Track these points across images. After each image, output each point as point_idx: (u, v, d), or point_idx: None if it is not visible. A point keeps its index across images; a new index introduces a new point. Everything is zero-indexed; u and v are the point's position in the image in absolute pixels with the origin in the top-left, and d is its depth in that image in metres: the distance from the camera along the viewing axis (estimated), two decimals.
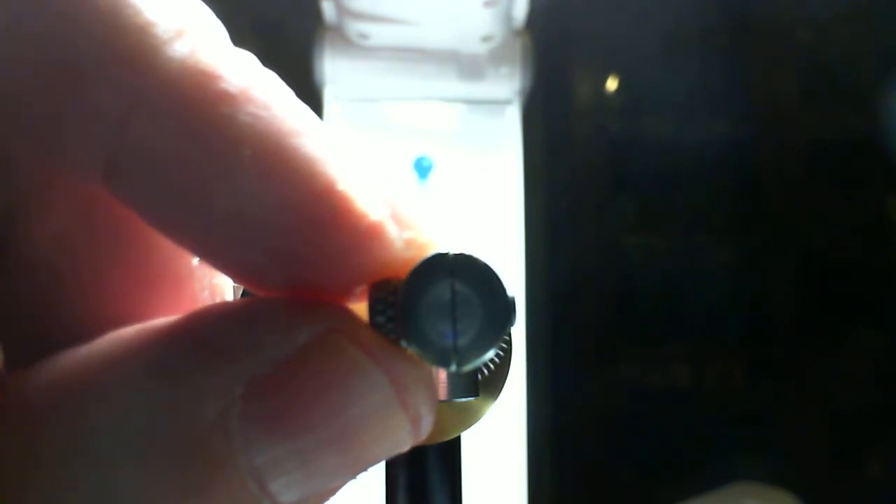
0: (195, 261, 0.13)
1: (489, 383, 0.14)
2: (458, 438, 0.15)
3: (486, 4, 0.60)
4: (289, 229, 0.11)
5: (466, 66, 0.66)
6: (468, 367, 0.12)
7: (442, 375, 0.13)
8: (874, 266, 0.94)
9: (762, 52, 0.96)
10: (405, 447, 0.12)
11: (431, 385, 0.12)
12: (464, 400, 0.14)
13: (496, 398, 0.15)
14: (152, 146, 0.11)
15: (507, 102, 0.68)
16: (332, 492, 0.12)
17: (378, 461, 0.12)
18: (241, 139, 0.11)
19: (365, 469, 0.12)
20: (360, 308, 0.13)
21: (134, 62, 0.11)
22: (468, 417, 0.14)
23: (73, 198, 0.12)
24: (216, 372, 0.11)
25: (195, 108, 0.11)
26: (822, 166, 0.95)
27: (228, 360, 0.11)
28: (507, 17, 0.64)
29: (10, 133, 0.11)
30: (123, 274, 0.13)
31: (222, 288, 0.14)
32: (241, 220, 0.11)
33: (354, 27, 0.63)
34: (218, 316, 0.12)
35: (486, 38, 0.65)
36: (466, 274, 0.12)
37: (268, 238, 0.11)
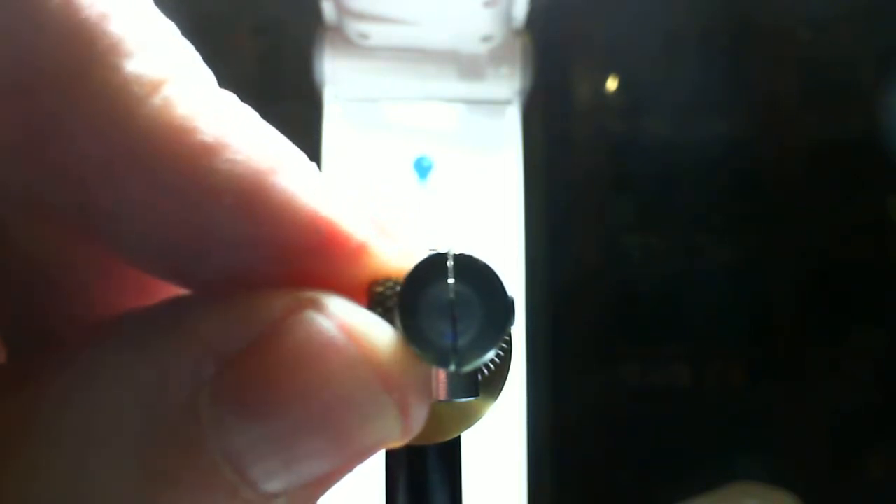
0: None
1: (489, 383, 0.14)
2: (458, 438, 0.15)
3: (486, 4, 0.60)
4: (278, 261, 0.11)
5: (466, 66, 0.66)
6: (468, 368, 0.12)
7: (442, 375, 0.13)
8: (874, 266, 0.94)
9: (762, 52, 0.96)
10: (397, 436, 0.12)
11: (420, 371, 0.12)
12: (464, 400, 0.14)
13: (496, 398, 0.15)
14: (131, 202, 0.11)
15: (507, 102, 0.68)
16: (325, 483, 0.12)
17: (368, 449, 0.12)
18: (220, 188, 0.11)
19: (354, 458, 0.11)
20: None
21: (111, 120, 0.11)
22: (468, 417, 0.14)
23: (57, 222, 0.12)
24: (185, 351, 0.11)
25: (172, 163, 0.11)
26: (822, 166, 0.95)
27: (197, 340, 0.11)
28: (507, 17, 0.64)
29: None
30: (117, 278, 0.13)
31: None
32: (230, 264, 0.11)
33: (354, 27, 0.63)
34: (194, 297, 0.12)
35: (486, 38, 0.65)
36: (466, 274, 0.12)
37: (261, 274, 0.11)
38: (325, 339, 0.11)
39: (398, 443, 0.12)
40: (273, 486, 0.11)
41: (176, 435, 0.11)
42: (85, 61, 0.11)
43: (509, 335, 0.13)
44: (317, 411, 0.11)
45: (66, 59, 0.11)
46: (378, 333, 0.11)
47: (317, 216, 0.11)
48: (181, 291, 0.13)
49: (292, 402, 0.11)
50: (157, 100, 0.11)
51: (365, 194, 0.12)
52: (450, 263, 0.12)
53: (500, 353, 0.14)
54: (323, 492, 0.12)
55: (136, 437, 0.11)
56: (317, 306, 0.11)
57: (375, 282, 0.12)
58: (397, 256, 0.12)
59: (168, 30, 0.12)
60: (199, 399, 0.11)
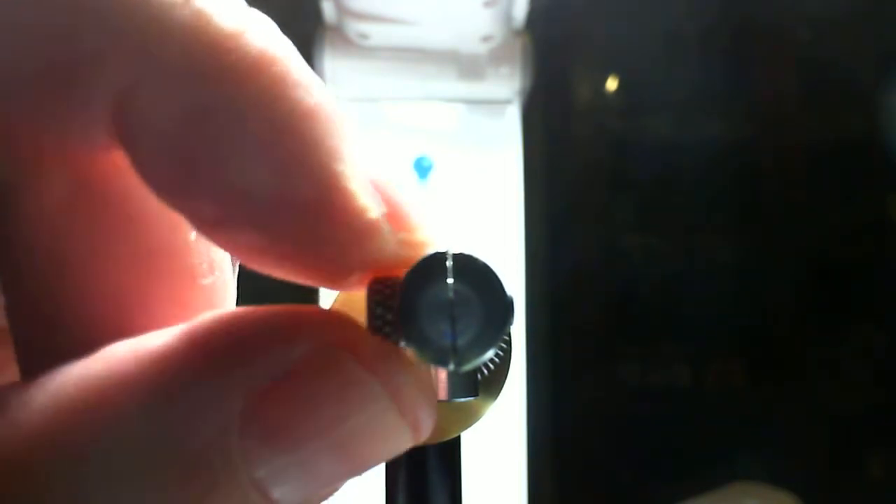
0: (192, 236, 0.13)
1: (489, 383, 0.14)
2: (458, 438, 0.15)
3: (486, 4, 0.60)
4: (288, 215, 0.11)
5: (466, 66, 0.66)
6: (468, 367, 0.12)
7: (441, 375, 0.13)
8: (874, 266, 0.94)
9: (762, 52, 0.96)
10: (406, 448, 0.12)
11: (430, 389, 0.12)
12: (464, 400, 0.14)
13: (496, 398, 0.15)
14: (159, 116, 0.11)
15: (507, 102, 0.68)
16: (336, 490, 0.12)
17: (379, 463, 0.12)
18: (250, 116, 0.11)
19: (365, 470, 0.12)
20: (359, 296, 0.13)
21: (142, 28, 0.11)
22: (468, 417, 0.14)
23: (69, 176, 0.12)
24: (213, 391, 0.11)
25: (204, 79, 0.11)
26: (822, 166, 0.95)
27: (225, 378, 0.11)
28: (507, 17, 0.64)
29: (10, 102, 0.11)
30: (121, 251, 0.13)
31: (221, 262, 0.14)
32: (241, 197, 0.11)
33: (354, 27, 0.63)
34: (213, 331, 0.12)
35: (486, 38, 0.65)
36: (466, 274, 0.12)
37: (266, 219, 0.11)
38: (348, 376, 0.11)
39: (405, 450, 0.12)
40: (293, 500, 0.11)
41: (207, 468, 0.11)
42: None
43: (509, 335, 0.13)
44: (338, 439, 0.11)
45: None
46: (394, 364, 0.12)
47: (336, 181, 0.11)
48: (188, 271, 0.13)
49: (316, 432, 0.11)
50: (189, 9, 0.11)
51: (390, 173, 0.12)
52: (449, 263, 0.12)
53: (500, 352, 0.14)
54: (331, 495, 0.12)
55: (165, 473, 0.11)
56: (340, 343, 0.12)
57: (375, 280, 0.12)
58: (401, 247, 0.12)
59: None
60: (230, 434, 0.11)
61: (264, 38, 0.11)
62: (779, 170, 0.96)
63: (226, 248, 0.12)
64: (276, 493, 0.11)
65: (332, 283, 0.12)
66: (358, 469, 0.12)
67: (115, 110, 0.11)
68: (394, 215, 0.12)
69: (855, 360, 0.92)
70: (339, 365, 0.11)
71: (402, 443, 0.12)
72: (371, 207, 0.12)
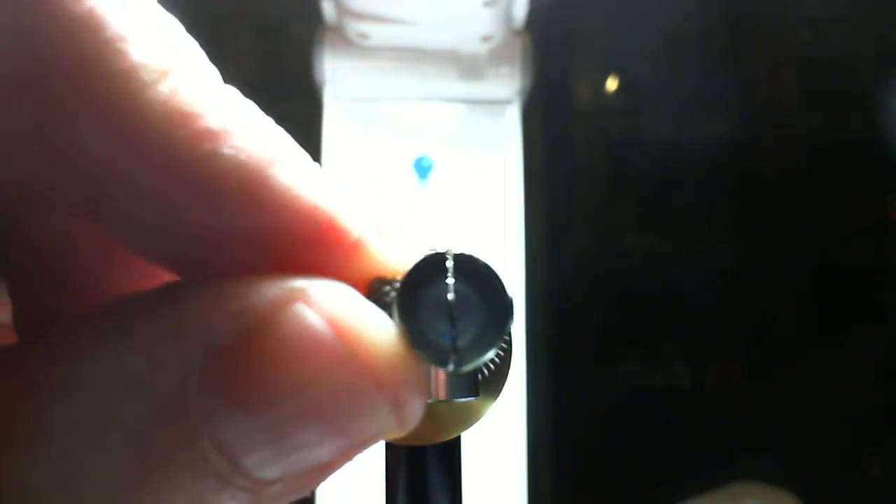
0: None
1: (489, 383, 0.14)
2: (458, 438, 0.15)
3: (486, 4, 0.60)
4: (277, 251, 0.12)
5: (466, 66, 0.66)
6: (468, 367, 0.12)
7: (441, 375, 0.13)
8: (874, 265, 0.94)
9: (762, 52, 0.96)
10: (392, 429, 0.12)
11: (413, 366, 0.12)
12: (464, 400, 0.14)
13: (496, 398, 0.15)
14: (138, 185, 0.11)
15: (507, 102, 0.68)
16: (324, 470, 0.12)
17: (365, 441, 0.12)
18: (225, 172, 0.11)
19: (351, 449, 0.12)
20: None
21: (119, 104, 0.11)
22: (468, 417, 0.14)
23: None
24: (173, 340, 0.11)
25: (178, 147, 0.11)
26: (823, 166, 0.95)
27: (186, 329, 0.11)
28: (507, 17, 0.64)
29: None
30: (122, 269, 0.13)
31: None
32: (231, 253, 0.12)
33: (354, 27, 0.63)
34: (184, 285, 0.12)
35: (486, 38, 0.65)
36: (466, 274, 0.12)
37: (257, 259, 0.12)
38: (312, 335, 0.11)
39: (396, 435, 0.12)
40: (267, 473, 0.11)
41: (166, 424, 0.11)
42: (91, 49, 0.11)
43: (509, 335, 0.13)
44: (306, 406, 0.11)
45: (72, 48, 0.11)
46: (369, 328, 0.11)
47: (315, 208, 0.12)
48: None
49: (281, 395, 0.11)
50: (163, 87, 0.11)
51: (363, 194, 0.13)
52: (449, 263, 0.12)
53: (500, 352, 0.14)
54: (323, 479, 0.12)
55: (126, 427, 0.11)
56: (305, 298, 0.11)
57: (374, 280, 0.12)
58: (394, 255, 0.12)
59: (173, 24, 0.12)
60: (188, 389, 0.11)
61: (224, 109, 0.12)
62: (779, 170, 0.96)
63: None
64: (247, 460, 0.11)
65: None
66: (338, 442, 0.11)
67: (92, 182, 0.11)
68: (380, 229, 0.12)
69: (855, 360, 0.92)
70: (303, 323, 0.11)
71: (385, 420, 0.12)
72: (356, 226, 0.12)
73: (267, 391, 0.11)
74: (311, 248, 0.12)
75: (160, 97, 0.11)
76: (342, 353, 0.11)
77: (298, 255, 0.12)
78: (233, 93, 0.12)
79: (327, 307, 0.11)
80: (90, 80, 0.11)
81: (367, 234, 0.12)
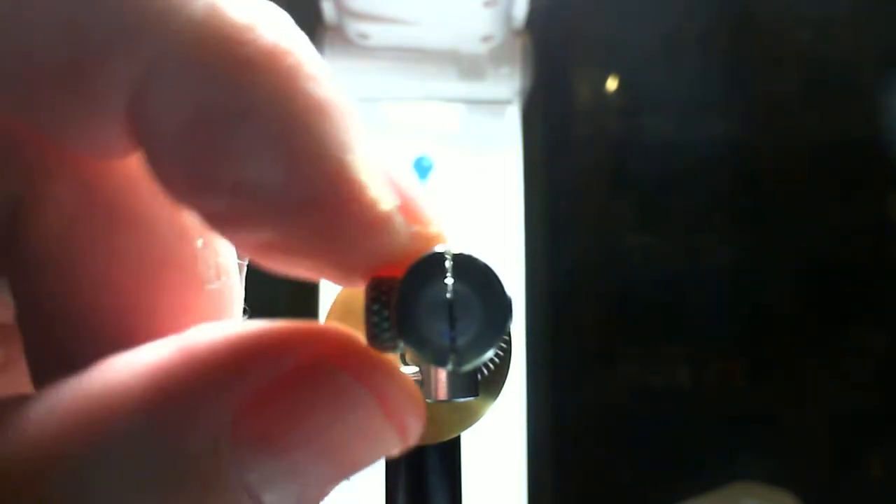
0: (199, 242, 0.13)
1: (489, 383, 0.14)
2: (458, 438, 0.15)
3: (486, 4, 0.60)
4: (299, 209, 0.11)
5: (466, 66, 0.66)
6: (467, 367, 0.12)
7: (441, 375, 0.13)
8: (874, 266, 0.94)
9: (762, 52, 0.96)
10: (395, 450, 0.12)
11: (416, 394, 0.12)
12: (463, 400, 0.14)
13: (496, 398, 0.15)
14: (172, 110, 0.11)
15: (507, 102, 0.68)
16: (326, 494, 0.12)
17: (367, 466, 0.12)
18: (263, 110, 0.11)
19: (355, 473, 0.12)
20: (358, 296, 0.13)
21: (154, 21, 0.10)
22: (468, 417, 0.14)
23: (77, 185, 0.12)
24: (204, 402, 0.11)
25: (217, 74, 0.11)
26: (823, 166, 0.95)
27: (215, 389, 0.11)
28: (507, 17, 0.64)
29: (15, 105, 0.11)
30: (130, 258, 0.13)
31: (228, 267, 0.14)
32: (253, 192, 0.11)
33: (354, 27, 0.63)
34: (205, 343, 0.12)
35: (486, 38, 0.65)
36: (465, 273, 0.12)
37: (277, 214, 0.11)
38: (336, 387, 0.12)
39: (394, 453, 0.13)
40: None
41: (199, 476, 0.11)
42: None
43: (508, 335, 0.13)
44: (327, 445, 0.11)
45: None
46: (381, 371, 0.12)
47: (348, 174, 0.11)
48: (195, 278, 0.13)
49: (305, 439, 0.11)
50: (200, 4, 0.11)
51: (401, 167, 0.12)
52: (448, 263, 0.12)
53: (500, 352, 0.14)
54: (322, 498, 0.12)
55: (159, 485, 0.11)
56: (328, 355, 0.12)
57: (374, 280, 0.12)
58: (412, 240, 0.12)
59: None
60: (220, 442, 0.11)
61: (277, 30, 0.11)
62: (779, 170, 0.96)
63: (236, 244, 0.13)
64: (268, 497, 0.11)
65: (342, 277, 0.12)
66: (347, 472, 0.12)
67: (127, 105, 0.11)
68: (406, 208, 0.12)
69: (855, 360, 0.92)
70: (325, 374, 0.12)
71: (390, 446, 0.12)
72: (383, 199, 0.12)
73: (294, 437, 0.11)
74: (332, 214, 0.11)
75: (199, 13, 0.11)
76: (359, 396, 0.12)
77: (317, 217, 0.11)
78: (280, 15, 0.11)
79: (346, 358, 0.12)
80: None
81: (390, 210, 0.12)
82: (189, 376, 0.11)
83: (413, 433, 0.12)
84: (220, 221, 0.12)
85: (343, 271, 0.12)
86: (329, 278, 0.13)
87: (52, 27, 0.11)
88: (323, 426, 0.11)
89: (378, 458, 0.12)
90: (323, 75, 0.11)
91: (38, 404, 0.11)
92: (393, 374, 0.12)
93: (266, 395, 0.11)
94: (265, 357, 0.11)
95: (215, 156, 0.11)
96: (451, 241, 0.12)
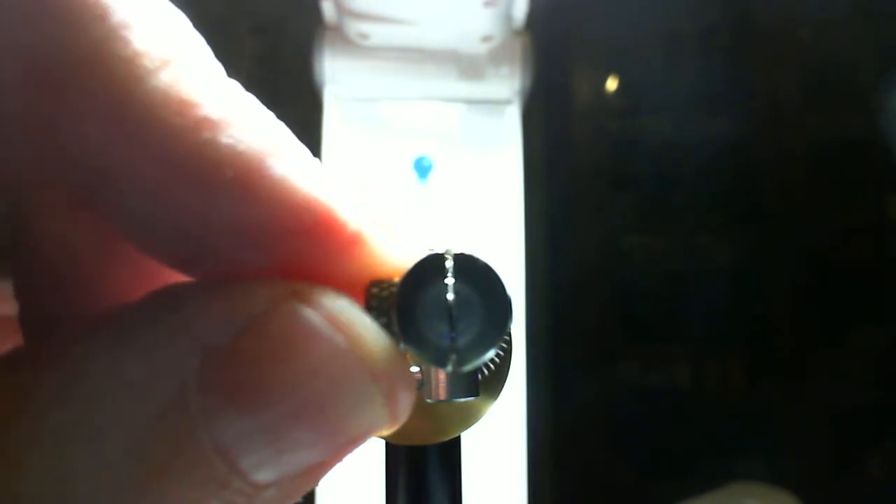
0: None
1: (489, 383, 0.14)
2: (458, 438, 0.15)
3: (486, 4, 0.60)
4: (274, 243, 0.11)
5: (466, 66, 0.66)
6: (467, 368, 0.12)
7: (442, 375, 0.13)
8: (874, 266, 0.94)
9: (762, 52, 0.96)
10: (384, 424, 0.12)
11: (403, 361, 0.12)
12: (464, 400, 0.14)
13: (496, 398, 0.15)
14: (135, 173, 0.11)
15: (507, 102, 0.68)
16: (315, 473, 0.12)
17: (357, 439, 0.12)
18: (221, 162, 0.11)
19: (344, 447, 0.12)
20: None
21: (118, 90, 0.11)
22: (468, 417, 0.14)
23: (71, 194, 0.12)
24: (171, 345, 0.11)
25: (176, 135, 0.11)
26: (823, 166, 0.95)
27: (183, 333, 0.11)
28: (507, 17, 0.64)
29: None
30: (125, 269, 0.13)
31: None
32: (229, 240, 0.11)
33: (354, 27, 0.63)
34: (182, 288, 0.12)
35: (486, 38, 0.65)
36: (466, 274, 0.12)
37: (254, 252, 0.11)
38: (310, 329, 0.11)
39: (386, 431, 0.12)
40: (264, 476, 0.11)
41: (165, 427, 0.11)
42: (94, 36, 0.11)
43: (509, 335, 0.13)
44: (305, 401, 0.11)
45: (75, 35, 0.11)
46: (363, 323, 0.12)
47: (312, 199, 0.11)
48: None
49: (280, 392, 0.11)
50: (165, 75, 0.11)
51: (362, 189, 0.13)
52: (449, 263, 0.12)
53: (500, 352, 0.14)
54: (314, 482, 0.12)
55: (125, 434, 0.10)
56: (302, 297, 0.11)
57: (373, 281, 0.12)
58: (393, 251, 0.12)
59: (178, 16, 0.12)
60: (188, 391, 0.11)
61: (224, 100, 0.12)
62: (779, 170, 0.96)
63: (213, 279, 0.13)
64: (245, 461, 0.11)
65: None
66: (332, 441, 0.11)
67: (90, 161, 0.11)
68: (379, 222, 0.12)
69: (855, 360, 0.92)
70: (299, 319, 0.11)
71: (378, 415, 0.12)
72: (354, 219, 0.12)
73: (266, 388, 0.11)
74: (308, 241, 0.12)
75: (161, 85, 0.11)
76: (340, 347, 0.11)
77: (296, 249, 0.12)
78: (234, 85, 0.12)
79: (323, 303, 0.11)
80: (91, 66, 0.11)
81: (365, 227, 0.12)
82: (156, 317, 0.11)
83: (403, 404, 0.12)
84: (199, 269, 0.12)
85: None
86: None
87: (25, 87, 0.11)
88: (299, 379, 0.11)
89: (366, 431, 0.12)
90: (273, 126, 0.12)
91: (28, 350, 0.12)
92: (377, 330, 0.12)
93: (236, 343, 0.11)
94: (235, 298, 0.11)
95: (184, 210, 0.11)
96: (436, 246, 0.12)
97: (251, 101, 0.12)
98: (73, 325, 0.12)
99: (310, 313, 0.11)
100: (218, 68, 0.12)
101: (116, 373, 0.11)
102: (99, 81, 0.11)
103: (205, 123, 0.11)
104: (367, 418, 0.12)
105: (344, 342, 0.11)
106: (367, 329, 0.12)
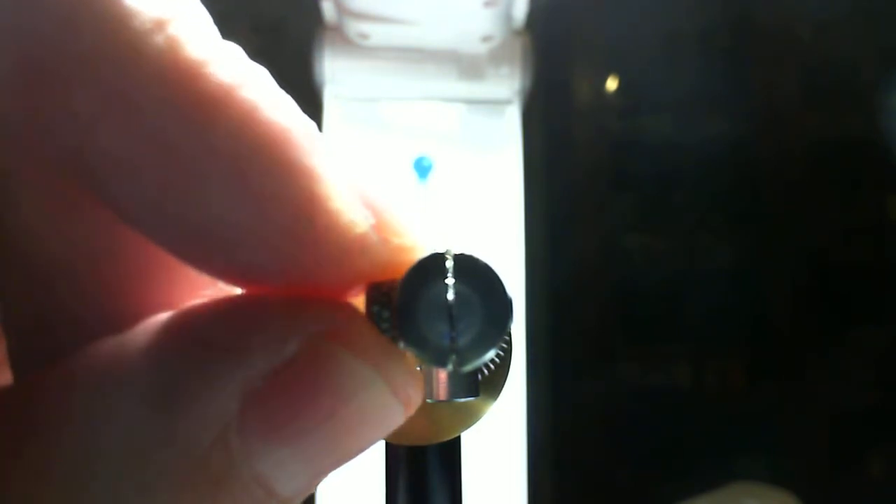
0: None
1: (489, 383, 0.14)
2: (458, 438, 0.15)
3: (486, 4, 0.60)
4: (271, 241, 0.11)
5: (466, 66, 0.66)
6: (467, 368, 0.12)
7: (442, 375, 0.13)
8: (874, 266, 0.94)
9: (762, 52, 0.96)
10: (398, 422, 0.12)
11: (411, 365, 0.12)
12: (464, 400, 0.14)
13: (496, 398, 0.15)
14: (124, 149, 0.10)
15: (507, 102, 0.68)
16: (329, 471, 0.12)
17: (375, 442, 0.12)
18: (221, 147, 0.10)
19: (364, 451, 0.12)
20: (361, 302, 0.13)
21: (108, 57, 0.10)
22: (468, 417, 0.14)
23: (53, 187, 0.12)
24: (210, 396, 0.11)
25: (173, 111, 0.10)
26: (822, 166, 0.95)
27: (220, 380, 0.11)
28: (507, 17, 0.64)
29: None
30: (121, 259, 0.12)
31: None
32: (217, 230, 0.11)
33: (354, 27, 0.63)
34: (204, 327, 0.11)
35: (486, 38, 0.65)
36: (466, 274, 0.12)
37: (252, 248, 0.11)
38: (346, 369, 0.11)
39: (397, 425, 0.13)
40: (292, 491, 0.11)
41: (210, 469, 0.11)
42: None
43: (509, 335, 0.13)
44: (337, 427, 0.11)
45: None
46: (389, 352, 0.12)
47: (317, 200, 0.11)
48: (188, 277, 0.13)
49: (315, 423, 0.11)
50: (160, 37, 0.10)
51: (373, 181, 0.12)
52: (449, 263, 0.12)
53: (500, 353, 0.14)
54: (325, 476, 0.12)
55: (169, 478, 0.11)
56: (334, 336, 0.11)
57: (374, 282, 0.12)
58: (395, 254, 0.12)
59: None
60: (228, 432, 0.11)
61: (234, 64, 0.11)
62: (779, 170, 0.96)
63: (214, 277, 0.12)
64: (279, 486, 0.11)
65: (335, 297, 0.12)
66: (356, 452, 0.12)
67: (80, 140, 0.10)
68: (382, 223, 0.12)
69: (855, 360, 0.92)
70: (331, 357, 0.11)
71: (396, 420, 0.12)
72: (357, 221, 0.11)
73: (301, 422, 0.11)
74: (306, 242, 0.11)
75: (156, 50, 0.10)
76: (367, 377, 0.11)
77: (292, 247, 0.11)
78: (237, 52, 0.11)
79: (353, 342, 0.12)
80: (79, 25, 0.10)
81: (366, 230, 0.12)
82: (190, 364, 0.11)
83: (414, 403, 0.12)
84: (189, 257, 0.11)
85: (332, 290, 0.12)
86: (321, 294, 0.12)
87: (6, 58, 0.10)
88: (333, 409, 0.11)
89: (385, 433, 0.12)
90: (281, 104, 0.11)
91: (44, 375, 0.11)
92: (393, 348, 0.12)
93: (272, 381, 0.11)
94: (268, 339, 0.11)
95: (174, 194, 0.10)
96: (443, 243, 0.12)
97: (258, 71, 0.11)
98: (90, 353, 0.11)
99: (344, 354, 0.11)
100: (216, 32, 0.11)
101: (159, 426, 0.11)
102: (85, 46, 0.10)
103: (204, 100, 0.10)
104: (389, 426, 0.12)
105: (373, 372, 0.12)
106: (390, 355, 0.12)
